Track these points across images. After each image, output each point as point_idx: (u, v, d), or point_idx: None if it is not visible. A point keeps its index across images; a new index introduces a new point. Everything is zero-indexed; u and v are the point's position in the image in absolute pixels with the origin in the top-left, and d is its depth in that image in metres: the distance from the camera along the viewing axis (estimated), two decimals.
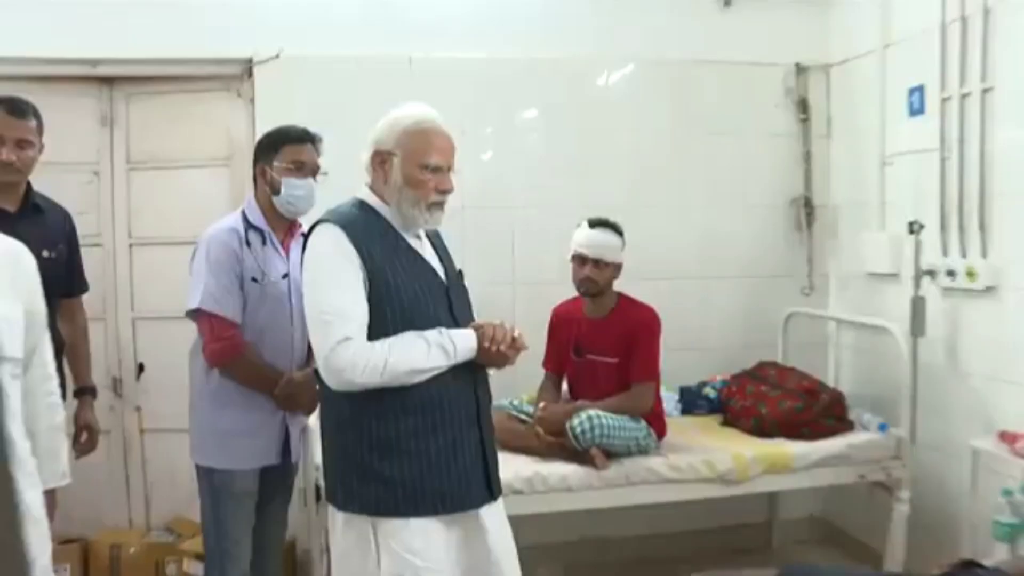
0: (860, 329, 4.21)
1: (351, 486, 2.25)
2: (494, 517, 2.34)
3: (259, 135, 3.03)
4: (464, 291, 2.44)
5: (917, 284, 3.66)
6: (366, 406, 2.19)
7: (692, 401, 4.20)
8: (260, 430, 2.89)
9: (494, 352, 2.26)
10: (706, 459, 3.48)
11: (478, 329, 2.28)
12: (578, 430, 3.32)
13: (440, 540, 2.22)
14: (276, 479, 3.00)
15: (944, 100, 3.65)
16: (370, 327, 2.16)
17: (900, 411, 3.65)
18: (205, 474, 2.89)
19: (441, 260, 2.40)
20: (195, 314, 2.83)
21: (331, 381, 2.16)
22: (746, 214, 4.43)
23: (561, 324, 3.71)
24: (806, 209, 4.45)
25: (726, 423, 3.99)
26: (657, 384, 3.59)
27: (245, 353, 2.83)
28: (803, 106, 4.42)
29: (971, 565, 2.00)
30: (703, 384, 4.26)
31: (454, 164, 2.32)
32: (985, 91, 3.47)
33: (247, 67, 3.93)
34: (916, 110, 3.82)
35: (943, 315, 3.68)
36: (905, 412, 3.63)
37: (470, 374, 2.29)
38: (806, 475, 3.56)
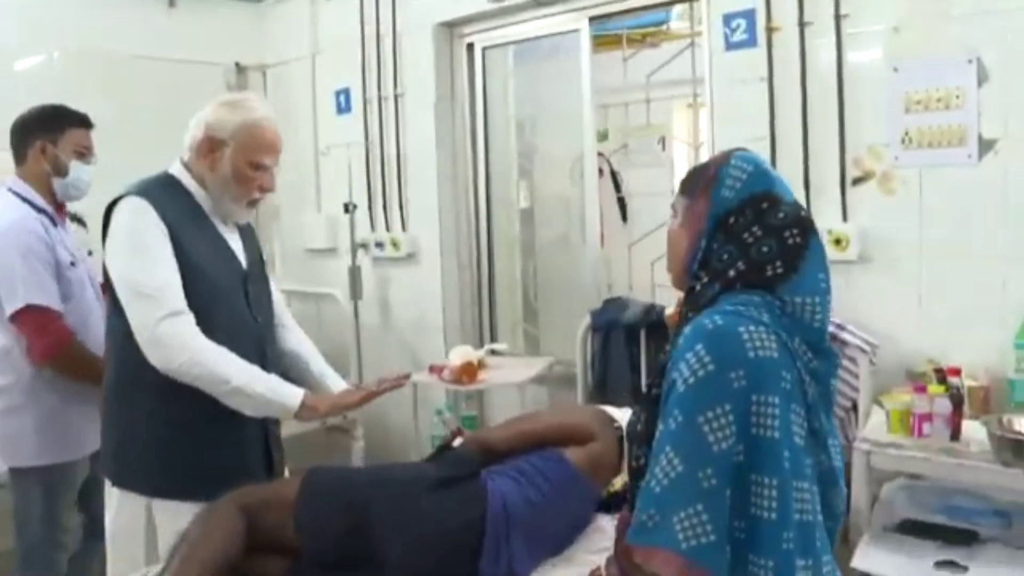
0: (306, 298, 4.77)
1: (128, 462, 2.14)
2: None
3: None
4: (264, 281, 2.37)
5: (353, 255, 4.30)
6: (161, 385, 2.03)
7: None
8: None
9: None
10: None
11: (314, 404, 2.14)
12: None
13: None
14: None
15: (367, 101, 4.38)
16: None
17: (349, 363, 4.28)
18: (38, 473, 2.69)
19: (246, 248, 2.30)
20: (16, 315, 2.57)
21: (153, 355, 1.97)
22: None
23: None
24: None
25: None
26: None
27: (73, 343, 2.63)
28: None
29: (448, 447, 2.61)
30: None
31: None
32: (397, 96, 4.27)
33: None
34: (344, 108, 4.51)
35: (376, 280, 4.42)
36: (353, 363, 4.28)
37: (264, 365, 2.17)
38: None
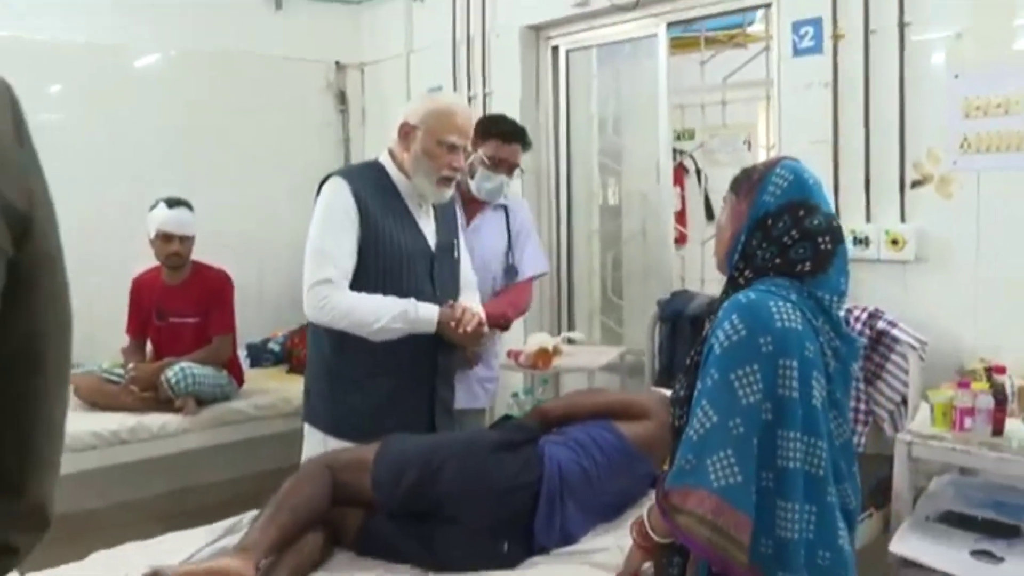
0: None
1: (314, 403, 2.58)
2: None
3: None
4: (452, 262, 2.67)
5: None
6: (333, 339, 2.48)
7: (258, 355, 4.73)
8: None
9: (457, 332, 2.46)
10: (283, 397, 4.07)
11: (451, 307, 2.50)
12: (173, 380, 3.70)
13: None
14: None
15: None
16: (356, 273, 2.43)
17: None
18: None
19: (438, 231, 2.61)
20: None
21: (306, 312, 2.43)
22: (294, 191, 4.91)
23: (142, 292, 4.01)
24: None
25: (292, 370, 4.58)
26: (234, 336, 4.09)
27: None
28: (342, 98, 5.19)
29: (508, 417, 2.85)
30: (267, 340, 4.79)
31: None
32: (486, 94, 4.51)
33: None
34: None
35: None
36: None
37: (435, 339, 2.49)
38: None
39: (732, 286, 1.78)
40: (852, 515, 1.78)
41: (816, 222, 1.70)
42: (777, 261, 1.71)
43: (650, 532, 1.78)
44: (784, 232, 1.70)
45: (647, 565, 1.88)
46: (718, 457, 1.57)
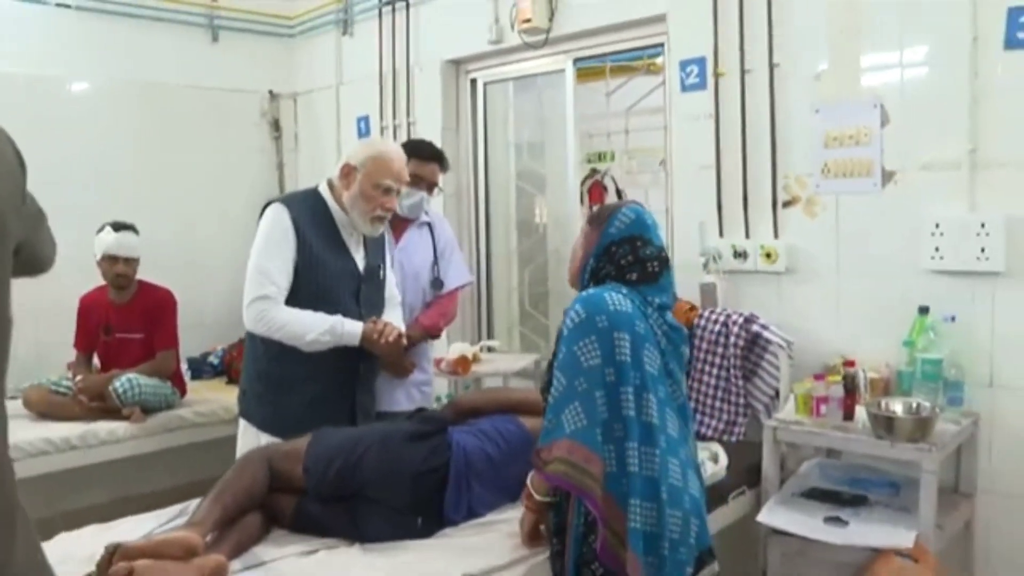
0: None
1: (249, 402, 2.88)
2: None
3: None
4: (378, 284, 2.98)
5: None
6: (269, 348, 2.77)
7: (199, 368, 4.98)
8: None
9: (380, 343, 2.78)
10: (223, 406, 4.34)
11: (374, 323, 2.80)
12: (120, 390, 3.95)
13: None
14: None
15: (383, 128, 4.97)
16: (292, 291, 2.73)
17: None
18: None
19: (367, 256, 2.92)
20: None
21: (246, 324, 2.73)
22: (232, 213, 5.24)
23: (90, 310, 4.27)
24: None
25: (231, 382, 4.84)
26: (177, 350, 4.35)
27: None
28: (276, 126, 5.50)
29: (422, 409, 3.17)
30: (206, 354, 5.05)
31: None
32: (410, 123, 4.86)
33: None
34: (364, 133, 5.11)
35: None
36: None
37: (357, 351, 2.82)
38: None
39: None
40: (698, 469, 2.22)
41: (648, 252, 2.19)
42: (613, 274, 2.18)
43: (533, 493, 2.15)
44: (623, 256, 2.18)
45: (543, 527, 2.24)
46: (569, 410, 2.00)
